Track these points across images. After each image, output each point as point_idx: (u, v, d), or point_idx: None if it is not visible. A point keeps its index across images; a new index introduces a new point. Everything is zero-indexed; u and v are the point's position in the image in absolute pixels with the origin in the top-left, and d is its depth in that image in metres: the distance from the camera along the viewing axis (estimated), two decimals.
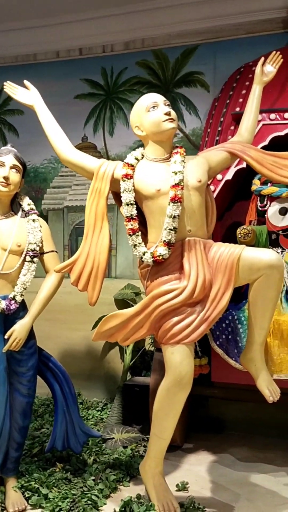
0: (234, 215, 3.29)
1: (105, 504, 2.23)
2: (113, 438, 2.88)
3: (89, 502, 2.19)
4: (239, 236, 2.72)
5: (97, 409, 3.44)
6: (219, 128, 3.06)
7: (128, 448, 2.76)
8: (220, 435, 3.16)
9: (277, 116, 2.73)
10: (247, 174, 2.78)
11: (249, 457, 2.80)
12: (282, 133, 2.72)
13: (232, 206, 3.31)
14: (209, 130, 3.16)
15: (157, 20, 3.48)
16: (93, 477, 2.39)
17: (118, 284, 3.63)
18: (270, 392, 2.16)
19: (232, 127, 2.92)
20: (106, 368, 3.70)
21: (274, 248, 2.73)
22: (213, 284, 2.08)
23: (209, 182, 2.68)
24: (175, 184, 2.09)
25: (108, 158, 3.68)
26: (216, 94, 3.31)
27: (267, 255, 2.03)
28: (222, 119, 3.06)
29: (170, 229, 2.09)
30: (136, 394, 3.18)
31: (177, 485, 2.39)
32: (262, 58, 2.46)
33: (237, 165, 2.75)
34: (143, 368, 3.52)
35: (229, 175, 2.78)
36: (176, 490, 2.36)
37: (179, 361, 2.01)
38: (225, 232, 3.28)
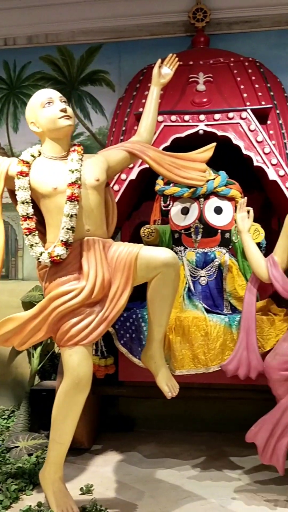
0: (142, 214, 3.33)
1: None
2: (18, 446, 2.76)
3: None
4: (143, 235, 2.75)
5: (3, 417, 3.30)
6: (124, 128, 3.07)
7: (33, 455, 2.67)
8: (130, 433, 3.17)
9: (178, 118, 2.79)
10: (152, 174, 2.82)
11: (156, 453, 2.83)
12: (182, 135, 2.78)
13: (140, 205, 3.35)
14: (114, 129, 3.16)
15: (61, 16, 3.42)
16: None
17: (26, 286, 3.52)
18: (169, 388, 2.20)
19: (136, 127, 2.94)
20: (14, 374, 3.56)
21: (177, 247, 2.79)
22: (112, 283, 2.07)
23: (113, 182, 2.70)
24: (72, 182, 2.06)
25: (12, 155, 3.54)
26: (121, 93, 3.32)
27: (163, 254, 2.06)
28: (126, 119, 3.07)
29: (67, 229, 2.05)
30: (44, 399, 3.09)
31: (81, 489, 2.34)
32: (159, 60, 2.50)
33: (140, 165, 2.77)
34: (53, 371, 3.43)
35: (133, 175, 2.79)
36: (80, 494, 2.32)
37: (77, 363, 1.97)
38: (133, 231, 3.31)
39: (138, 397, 3.20)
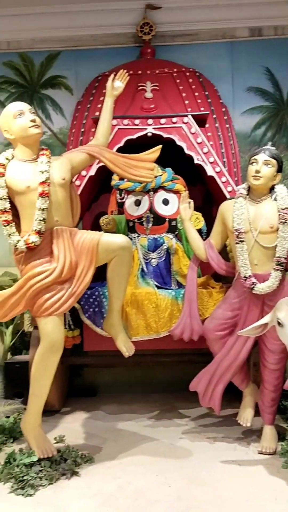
0: (100, 206, 3.75)
1: None
2: None
3: None
4: (102, 224, 3.18)
5: None
6: (82, 129, 3.47)
7: (10, 417, 3.08)
8: (95, 398, 3.63)
9: (129, 122, 3.22)
10: (109, 170, 3.22)
11: (117, 411, 3.31)
12: (134, 137, 3.21)
13: (98, 198, 3.77)
14: (74, 130, 3.55)
15: (21, 25, 3.74)
16: None
17: None
18: (126, 348, 2.68)
19: (93, 129, 3.34)
20: None
21: (132, 234, 3.25)
22: (78, 265, 2.50)
23: (74, 179, 3.10)
24: (43, 181, 2.45)
25: None
26: (78, 97, 3.70)
27: (119, 239, 2.52)
28: (84, 121, 3.47)
29: (40, 220, 2.44)
30: (17, 371, 3.48)
31: (55, 438, 2.78)
32: (112, 75, 2.91)
33: (99, 162, 3.17)
34: (23, 348, 3.81)
35: (92, 171, 3.20)
36: (55, 442, 2.75)
37: (51, 329, 2.40)
38: (93, 221, 3.73)
39: (101, 366, 3.66)
